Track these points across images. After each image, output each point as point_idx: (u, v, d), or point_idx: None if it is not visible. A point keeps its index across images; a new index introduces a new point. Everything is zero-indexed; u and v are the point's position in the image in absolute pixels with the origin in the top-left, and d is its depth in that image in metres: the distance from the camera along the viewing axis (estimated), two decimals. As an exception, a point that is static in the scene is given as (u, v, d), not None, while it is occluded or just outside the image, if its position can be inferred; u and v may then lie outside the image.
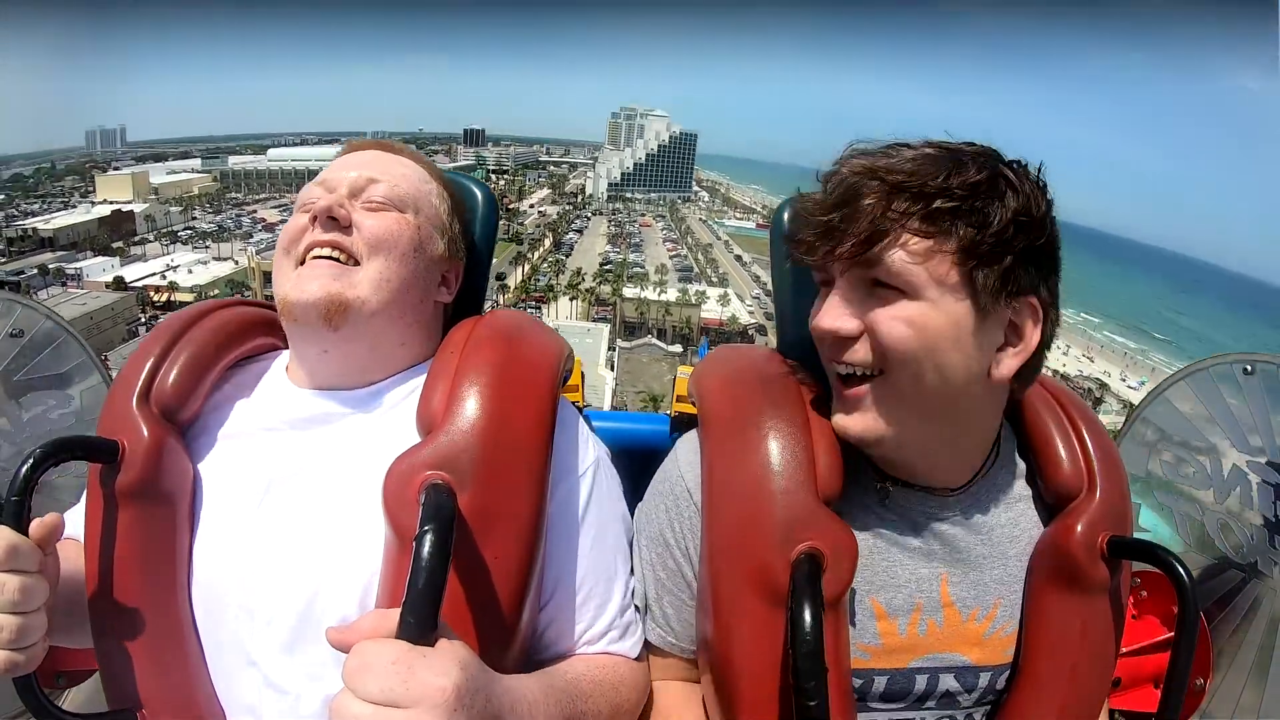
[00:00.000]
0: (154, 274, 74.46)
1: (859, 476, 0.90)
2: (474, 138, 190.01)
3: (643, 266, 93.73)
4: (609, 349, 59.56)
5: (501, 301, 73.84)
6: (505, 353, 0.91)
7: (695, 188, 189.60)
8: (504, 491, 0.82)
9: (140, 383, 0.90)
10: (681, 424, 1.35)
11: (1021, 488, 0.95)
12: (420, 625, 0.61)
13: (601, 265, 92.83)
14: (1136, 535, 0.94)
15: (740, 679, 0.85)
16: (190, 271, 76.91)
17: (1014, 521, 0.94)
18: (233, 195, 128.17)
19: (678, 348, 66.54)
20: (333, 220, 0.92)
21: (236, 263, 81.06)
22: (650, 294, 75.79)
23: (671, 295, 76.30)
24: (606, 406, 46.54)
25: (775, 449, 0.86)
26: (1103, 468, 0.91)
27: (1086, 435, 0.93)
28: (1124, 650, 1.00)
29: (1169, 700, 0.82)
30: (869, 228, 0.77)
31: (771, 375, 0.98)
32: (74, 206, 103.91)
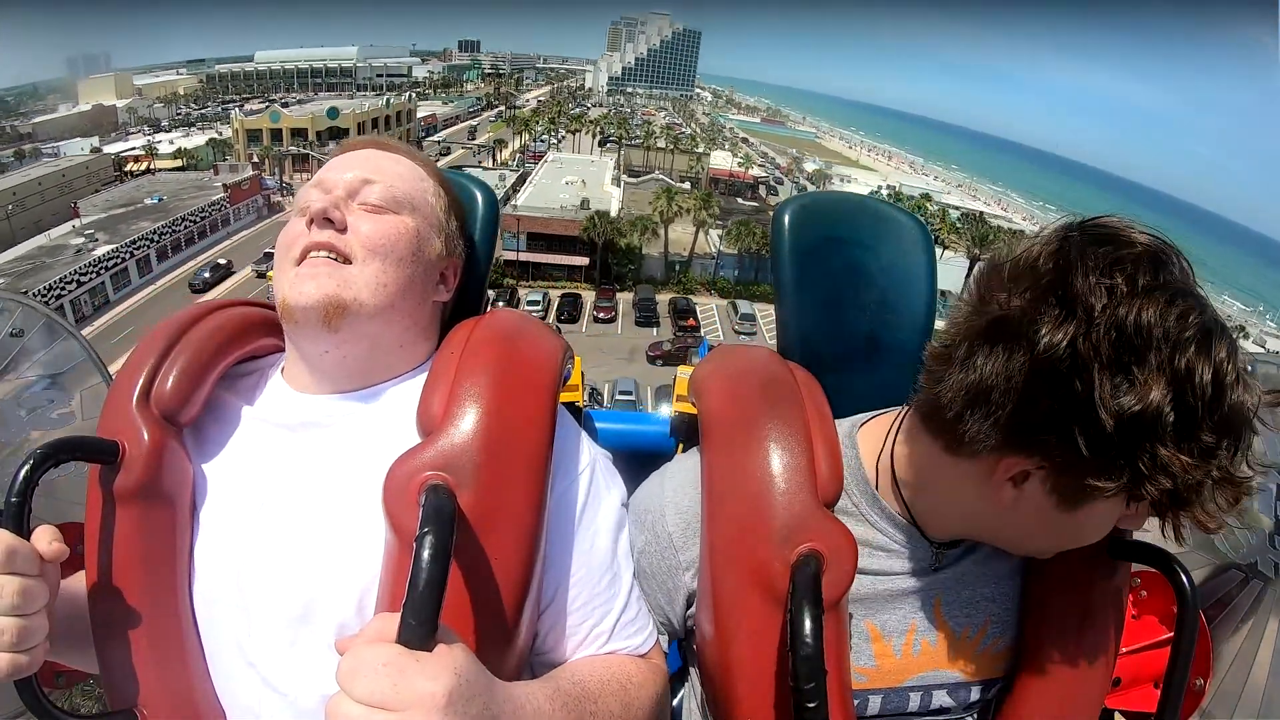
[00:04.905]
0: (134, 148, 70.38)
1: (863, 508, 0.92)
2: (469, 47, 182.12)
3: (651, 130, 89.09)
4: (615, 170, 55.87)
5: (500, 157, 70.15)
6: (505, 353, 0.90)
7: (698, 90, 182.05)
8: (504, 491, 0.81)
9: (140, 384, 0.88)
10: (682, 424, 1.38)
11: None
12: (421, 627, 0.61)
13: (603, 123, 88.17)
14: None
15: (740, 681, 0.85)
16: (171, 143, 72.43)
17: None
18: (219, 96, 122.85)
19: (686, 185, 62.13)
20: (329, 222, 0.91)
21: (220, 133, 76.49)
22: (660, 142, 71.24)
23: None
24: (614, 213, 43.12)
25: (776, 451, 0.86)
26: None
27: None
28: (1124, 650, 1.00)
29: (1169, 700, 0.81)
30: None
31: (772, 376, 0.97)
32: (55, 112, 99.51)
